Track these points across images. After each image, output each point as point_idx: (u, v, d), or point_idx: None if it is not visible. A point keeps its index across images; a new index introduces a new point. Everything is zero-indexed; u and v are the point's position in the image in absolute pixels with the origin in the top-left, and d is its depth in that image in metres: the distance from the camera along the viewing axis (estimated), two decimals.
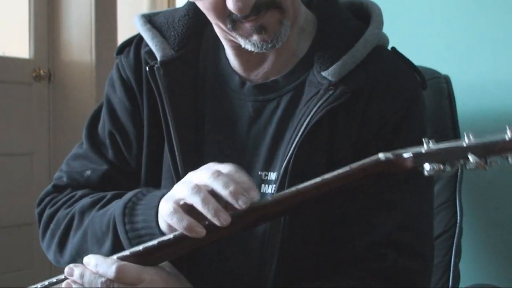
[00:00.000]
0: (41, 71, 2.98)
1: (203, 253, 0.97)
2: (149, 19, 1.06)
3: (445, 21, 1.64)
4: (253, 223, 0.81)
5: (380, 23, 1.01)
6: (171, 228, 0.81)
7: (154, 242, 0.82)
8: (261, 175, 0.96)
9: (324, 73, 0.94)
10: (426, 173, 0.73)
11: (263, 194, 0.95)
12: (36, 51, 2.99)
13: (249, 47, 0.92)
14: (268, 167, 0.96)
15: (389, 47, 1.04)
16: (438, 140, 0.75)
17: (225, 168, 0.80)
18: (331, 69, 0.93)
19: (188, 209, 0.79)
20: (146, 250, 0.83)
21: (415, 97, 0.97)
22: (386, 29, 1.03)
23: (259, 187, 0.95)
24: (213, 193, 0.78)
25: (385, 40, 1.03)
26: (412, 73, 1.00)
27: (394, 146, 0.92)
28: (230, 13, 0.88)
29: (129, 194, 0.91)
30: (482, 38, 1.58)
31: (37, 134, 2.97)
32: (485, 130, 1.70)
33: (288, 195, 0.77)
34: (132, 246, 0.86)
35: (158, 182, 1.00)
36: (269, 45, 0.90)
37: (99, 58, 2.94)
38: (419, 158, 0.74)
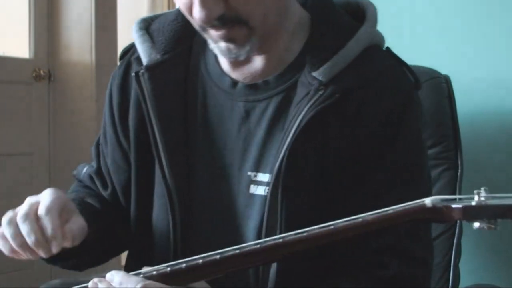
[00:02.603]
0: (41, 71, 2.98)
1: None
2: (149, 23, 1.06)
3: (446, 21, 1.64)
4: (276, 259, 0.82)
5: (374, 22, 0.99)
6: None
7: (182, 264, 0.80)
8: (250, 175, 0.96)
9: (314, 74, 0.92)
10: (474, 227, 0.69)
11: (252, 195, 0.95)
12: (36, 51, 2.99)
13: (216, 51, 0.94)
14: (257, 168, 0.96)
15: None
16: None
17: (40, 209, 0.87)
18: (321, 69, 0.92)
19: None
20: (173, 272, 0.80)
21: (409, 99, 0.96)
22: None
23: (248, 188, 0.95)
24: None
25: (379, 39, 1.01)
26: (406, 74, 0.99)
27: (390, 149, 0.92)
28: None
29: None
30: (482, 38, 1.58)
31: (37, 134, 2.97)
32: (485, 130, 1.71)
33: (323, 233, 0.75)
34: None
35: (150, 189, 1.01)
36: (233, 55, 0.92)
37: (99, 58, 2.94)
38: (469, 212, 0.69)
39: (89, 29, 2.94)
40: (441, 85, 1.40)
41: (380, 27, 1.01)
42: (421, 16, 1.66)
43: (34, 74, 2.95)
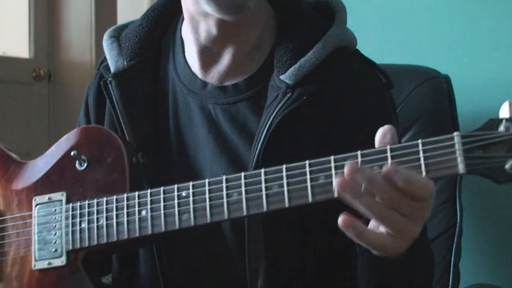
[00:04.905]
0: (41, 71, 2.98)
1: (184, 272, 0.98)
2: (120, 32, 1.06)
3: (446, 21, 1.64)
4: None
5: (343, 23, 0.98)
6: None
7: None
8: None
9: (282, 77, 0.92)
10: None
11: None
12: (36, 51, 2.99)
13: (219, 13, 0.90)
14: (229, 172, 0.94)
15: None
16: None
17: None
18: (288, 72, 0.92)
19: None
20: None
21: (381, 99, 0.96)
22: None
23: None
24: None
25: (349, 40, 1.00)
26: (376, 74, 0.99)
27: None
28: None
29: None
30: (482, 38, 1.58)
31: (37, 134, 2.97)
32: None
33: None
34: None
35: None
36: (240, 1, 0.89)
37: (99, 58, 2.94)
38: None
39: (89, 29, 2.95)
40: (441, 85, 1.40)
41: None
42: (421, 16, 1.66)
43: (34, 74, 2.95)
